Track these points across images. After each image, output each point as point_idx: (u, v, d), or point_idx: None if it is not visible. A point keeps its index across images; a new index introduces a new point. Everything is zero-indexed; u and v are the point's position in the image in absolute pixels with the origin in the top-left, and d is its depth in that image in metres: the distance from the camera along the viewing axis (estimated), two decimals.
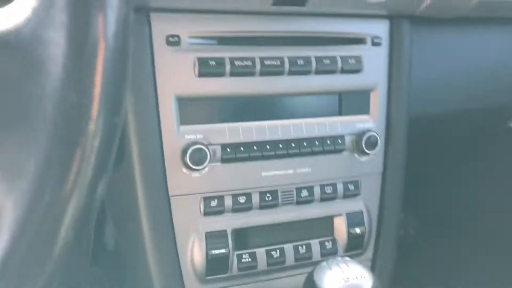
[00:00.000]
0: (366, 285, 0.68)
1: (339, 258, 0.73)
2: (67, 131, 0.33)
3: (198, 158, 0.83)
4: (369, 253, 1.04)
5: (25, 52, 0.31)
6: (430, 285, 1.89)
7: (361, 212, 1.00)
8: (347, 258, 0.73)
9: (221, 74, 0.86)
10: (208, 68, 0.85)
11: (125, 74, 0.37)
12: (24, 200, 0.32)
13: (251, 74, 0.88)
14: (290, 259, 0.94)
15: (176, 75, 0.84)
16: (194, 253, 0.88)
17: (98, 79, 0.33)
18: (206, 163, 0.84)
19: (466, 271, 1.95)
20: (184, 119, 0.86)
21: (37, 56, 0.31)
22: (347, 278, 0.69)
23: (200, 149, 0.83)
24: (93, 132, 0.33)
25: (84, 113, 0.33)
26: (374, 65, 0.99)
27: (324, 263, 0.72)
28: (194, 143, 0.84)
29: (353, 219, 0.99)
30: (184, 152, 0.83)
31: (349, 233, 0.98)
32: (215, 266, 0.88)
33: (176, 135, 0.84)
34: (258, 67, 0.88)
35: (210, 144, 0.86)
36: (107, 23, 0.34)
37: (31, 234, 0.33)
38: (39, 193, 0.33)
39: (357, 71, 0.96)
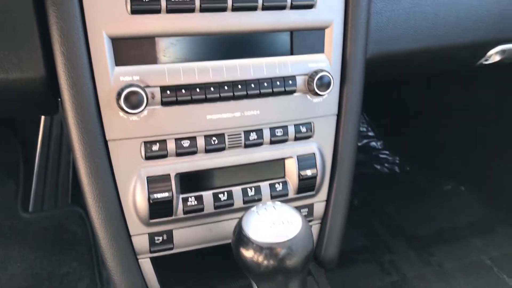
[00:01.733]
0: (293, 231, 0.67)
1: (269, 203, 0.72)
2: None
3: (135, 101, 0.80)
4: (322, 195, 1.03)
5: None
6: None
7: (313, 155, 0.98)
8: (278, 203, 0.72)
9: (156, 11, 0.81)
10: (141, 4, 0.79)
11: None
12: None
13: (190, 10, 0.82)
14: (238, 201, 0.93)
15: (106, 13, 0.79)
16: (136, 197, 0.87)
17: None
18: (143, 106, 0.81)
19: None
20: (119, 60, 0.82)
21: None
22: (273, 223, 0.67)
23: (136, 91, 0.80)
24: None
25: None
26: (329, 0, 0.92)
27: (253, 208, 0.71)
28: (130, 85, 0.80)
29: (305, 162, 0.97)
30: (119, 94, 0.80)
31: (300, 175, 0.96)
32: (159, 209, 0.88)
33: (111, 77, 0.81)
34: (197, 2, 0.82)
35: (148, 86, 0.83)
36: None
37: None
38: None
39: (309, 6, 0.90)
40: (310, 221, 1.05)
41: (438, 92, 2.11)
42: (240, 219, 0.71)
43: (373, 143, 2.49)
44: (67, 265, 1.55)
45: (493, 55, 1.18)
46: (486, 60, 1.20)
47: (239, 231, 0.69)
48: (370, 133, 2.54)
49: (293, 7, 0.89)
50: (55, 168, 1.79)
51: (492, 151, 1.92)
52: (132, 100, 0.80)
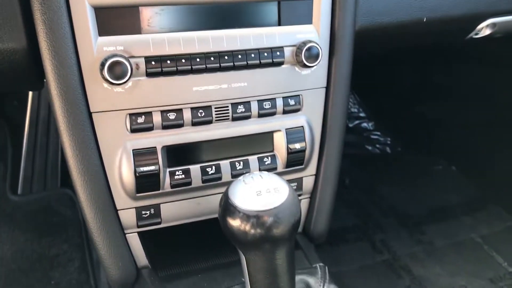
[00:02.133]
0: (279, 199, 0.66)
1: (256, 172, 0.71)
2: None
3: (119, 71, 0.78)
4: (312, 169, 1.02)
5: None
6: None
7: (302, 128, 0.97)
8: (265, 172, 0.71)
9: None
10: None
11: None
12: None
13: None
14: (226, 175, 0.92)
15: None
16: (122, 170, 0.86)
17: None
18: (127, 77, 0.79)
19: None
20: (103, 29, 0.80)
21: None
22: (259, 191, 0.67)
23: (120, 62, 0.78)
24: None
25: None
26: None
27: (240, 177, 0.70)
28: (114, 55, 0.78)
29: (293, 135, 0.96)
30: (102, 65, 0.78)
31: (288, 149, 0.95)
32: (145, 183, 0.87)
33: (94, 47, 0.79)
34: None
35: (132, 57, 0.81)
36: None
37: None
38: None
39: None
40: (299, 195, 1.05)
41: (428, 72, 2.10)
42: (227, 188, 0.70)
43: (364, 124, 2.49)
44: (57, 247, 1.54)
45: (484, 29, 1.17)
46: (477, 34, 1.19)
47: (225, 200, 0.68)
48: (362, 114, 2.53)
49: None
50: (43, 150, 1.77)
51: (483, 130, 1.92)
52: (116, 71, 0.78)
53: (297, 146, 0.96)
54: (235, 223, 0.67)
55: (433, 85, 2.11)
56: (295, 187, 1.01)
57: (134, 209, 0.90)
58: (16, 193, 1.73)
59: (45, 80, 0.81)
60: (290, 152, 0.95)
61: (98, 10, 0.79)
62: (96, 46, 0.79)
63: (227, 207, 0.68)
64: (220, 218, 0.70)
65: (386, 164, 2.25)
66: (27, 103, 1.75)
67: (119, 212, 0.89)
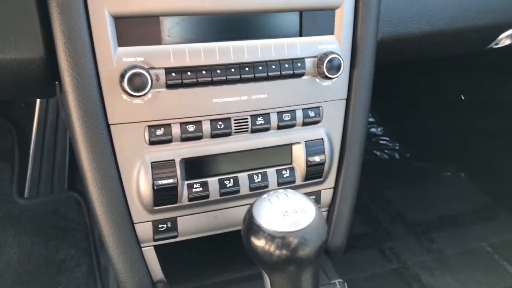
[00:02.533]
0: (306, 220, 0.65)
1: (281, 190, 0.69)
2: None
3: (138, 83, 0.76)
4: (330, 182, 1.01)
5: None
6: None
7: (322, 140, 0.95)
8: (290, 190, 0.69)
9: None
10: None
11: None
12: None
13: None
14: (244, 188, 0.91)
15: None
16: (139, 183, 0.84)
17: None
18: (147, 89, 0.77)
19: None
20: (122, 40, 0.78)
21: None
22: (285, 211, 0.65)
23: (140, 73, 0.76)
24: None
25: None
26: None
27: (265, 195, 0.68)
28: (134, 66, 0.77)
29: (313, 147, 0.94)
30: (122, 76, 0.76)
31: (307, 162, 0.94)
32: (163, 196, 0.85)
33: (113, 58, 0.77)
34: None
35: (152, 68, 0.79)
36: None
37: None
38: None
39: None
40: None
41: (438, 78, 2.08)
42: (251, 206, 0.68)
43: (373, 129, 2.47)
44: (64, 251, 1.52)
45: (504, 39, 1.15)
46: (496, 44, 1.17)
47: (249, 219, 0.66)
48: (370, 119, 2.51)
49: None
50: (51, 153, 1.75)
51: (493, 137, 1.90)
52: (136, 82, 0.76)
53: (317, 159, 0.94)
54: (259, 243, 0.65)
55: (443, 91, 2.09)
56: (313, 200, 1.00)
57: (151, 222, 0.88)
58: (23, 196, 1.72)
59: (59, 89, 0.79)
60: (309, 165, 0.94)
61: (118, 20, 0.77)
62: (115, 57, 0.77)
63: (251, 227, 0.66)
64: (244, 237, 0.68)
65: (394, 170, 2.23)
66: (34, 106, 1.74)
67: (135, 225, 0.87)
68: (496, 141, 1.89)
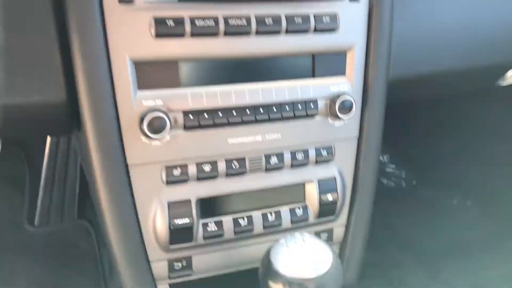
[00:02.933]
0: (324, 266, 0.66)
1: (298, 234, 0.70)
2: None
3: (157, 126, 0.79)
4: (342, 219, 1.02)
5: None
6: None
7: (334, 178, 0.96)
8: (306, 234, 0.70)
9: (180, 35, 0.79)
10: (166, 29, 0.78)
11: None
12: None
13: (214, 34, 0.81)
14: (258, 227, 0.92)
15: (130, 37, 0.77)
16: (156, 222, 0.85)
17: None
18: (166, 131, 0.79)
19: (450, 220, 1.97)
20: (142, 83, 0.80)
21: None
22: (303, 257, 0.66)
23: (159, 116, 0.78)
24: None
25: None
26: (351, 23, 0.91)
27: (282, 240, 0.70)
28: (153, 109, 0.79)
29: (325, 186, 0.95)
30: (142, 119, 0.79)
31: (320, 200, 0.95)
32: (179, 235, 0.86)
33: (133, 101, 0.79)
34: (221, 27, 0.81)
35: (171, 111, 0.81)
36: None
37: None
38: None
39: (332, 30, 0.89)
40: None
41: (444, 107, 2.10)
42: (268, 250, 0.69)
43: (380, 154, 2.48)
44: (74, 280, 1.52)
45: (511, 77, 1.18)
46: (504, 80, 1.19)
47: (267, 263, 0.67)
48: None
49: (316, 30, 0.88)
50: (61, 182, 1.77)
51: (499, 165, 1.91)
52: (155, 125, 0.78)
53: (330, 197, 0.96)
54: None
55: (449, 120, 2.10)
56: (325, 238, 1.01)
57: (166, 261, 0.89)
58: (33, 224, 1.73)
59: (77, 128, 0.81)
60: (322, 204, 0.95)
61: (138, 65, 0.79)
62: (135, 100, 0.80)
63: (269, 272, 0.67)
64: (261, 280, 0.69)
65: (401, 198, 2.23)
66: (46, 135, 1.76)
67: (151, 263, 0.89)
68: (503, 170, 1.90)
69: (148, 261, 0.88)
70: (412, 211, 2.08)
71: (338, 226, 1.02)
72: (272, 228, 0.93)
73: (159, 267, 0.89)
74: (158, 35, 0.78)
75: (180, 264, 0.91)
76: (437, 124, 2.17)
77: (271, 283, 0.67)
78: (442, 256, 1.78)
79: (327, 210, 0.96)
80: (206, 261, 0.92)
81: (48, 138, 1.75)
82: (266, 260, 0.68)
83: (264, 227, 0.92)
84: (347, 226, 1.03)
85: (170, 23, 0.78)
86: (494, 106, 1.85)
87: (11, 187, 1.81)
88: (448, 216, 2.02)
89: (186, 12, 0.79)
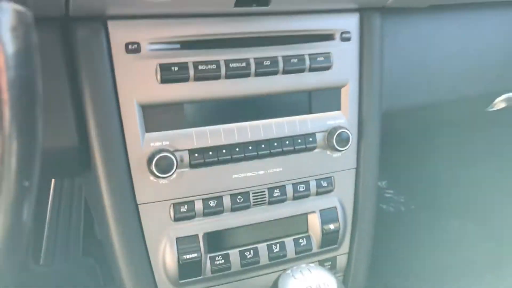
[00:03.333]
0: None
1: (304, 265, 0.74)
2: None
3: (165, 165, 0.83)
4: (345, 247, 1.05)
5: None
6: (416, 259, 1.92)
7: (335, 208, 1.00)
8: (312, 265, 0.74)
9: (185, 80, 0.85)
10: (171, 74, 0.83)
11: (36, 99, 0.38)
12: None
13: (216, 77, 0.87)
14: (264, 258, 0.95)
15: (138, 83, 0.82)
16: (166, 258, 0.88)
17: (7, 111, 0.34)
18: (173, 170, 0.84)
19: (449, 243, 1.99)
20: (149, 126, 0.85)
21: None
22: (310, 287, 0.69)
23: (166, 156, 0.83)
24: (10, 160, 0.35)
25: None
26: (344, 61, 0.97)
27: (288, 271, 0.73)
28: (160, 150, 0.83)
29: (327, 216, 0.99)
30: (150, 160, 0.83)
31: (323, 230, 0.99)
32: (188, 270, 0.89)
33: (141, 143, 0.84)
34: (223, 70, 0.86)
35: (177, 150, 0.86)
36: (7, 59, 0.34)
37: None
38: None
39: (326, 68, 0.95)
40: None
41: (440, 131, 2.15)
42: (276, 281, 0.73)
43: (378, 183, 2.51)
44: None
45: (499, 103, 1.23)
46: (492, 107, 1.25)
47: None
48: None
49: (311, 69, 0.93)
50: (66, 220, 1.79)
51: (500, 188, 1.95)
52: (162, 165, 0.83)
53: (332, 226, 0.99)
54: None
55: (446, 144, 2.15)
56: (329, 266, 1.04)
57: None
58: (39, 263, 1.74)
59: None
60: (324, 233, 0.98)
61: (145, 108, 0.84)
62: (143, 142, 0.84)
63: None
64: None
65: (401, 223, 2.26)
66: None
67: None
68: (503, 191, 1.93)
69: None
70: (412, 234, 2.10)
71: (341, 255, 1.05)
72: (278, 259, 0.96)
73: None
74: (164, 80, 0.83)
75: None
76: (433, 148, 2.22)
77: None
78: (445, 278, 1.80)
79: (329, 239, 1.00)
80: None
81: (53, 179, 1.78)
82: None
83: (270, 258, 0.95)
84: (349, 254, 1.06)
85: (175, 68, 0.84)
86: (486, 130, 1.91)
87: None
88: (448, 238, 2.04)
89: (189, 58, 0.85)
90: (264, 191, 0.94)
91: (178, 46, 0.85)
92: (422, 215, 2.25)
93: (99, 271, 1.71)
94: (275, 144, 0.93)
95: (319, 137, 0.97)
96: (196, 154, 0.87)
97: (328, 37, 0.96)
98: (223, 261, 0.92)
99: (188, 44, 0.86)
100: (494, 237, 1.98)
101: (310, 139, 0.96)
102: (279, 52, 0.91)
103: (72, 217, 1.80)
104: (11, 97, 0.35)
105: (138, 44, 0.81)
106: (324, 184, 0.99)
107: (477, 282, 1.79)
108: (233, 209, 0.92)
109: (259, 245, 0.95)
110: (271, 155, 0.93)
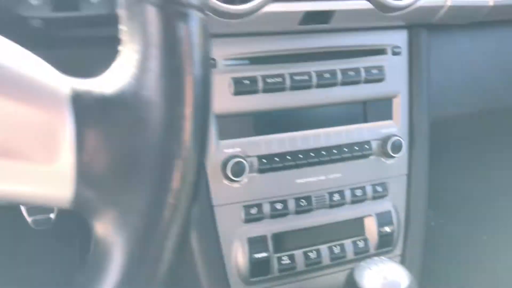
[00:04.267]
0: (404, 282, 0.75)
1: (376, 258, 0.80)
2: (168, 175, 0.39)
3: (238, 170, 0.90)
4: (398, 250, 1.11)
5: (130, 111, 0.37)
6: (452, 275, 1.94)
7: (390, 212, 1.06)
8: (384, 258, 0.80)
9: (254, 92, 0.93)
10: (242, 87, 0.92)
11: (209, 120, 0.44)
12: (136, 236, 0.38)
13: (282, 89, 0.95)
14: (326, 259, 1.01)
15: (214, 95, 0.90)
16: (238, 257, 0.95)
17: (189, 129, 0.39)
18: (245, 174, 0.91)
19: (483, 261, 2.01)
20: (223, 134, 0.93)
21: (139, 115, 0.37)
22: (386, 276, 0.75)
23: (239, 161, 0.90)
24: (186, 176, 0.39)
25: (179, 160, 0.38)
26: (395, 74, 1.05)
27: (362, 263, 0.79)
28: (234, 156, 0.91)
29: (383, 219, 1.05)
30: (224, 165, 0.91)
31: (379, 232, 1.05)
32: (258, 268, 0.95)
33: (216, 149, 0.92)
34: (288, 82, 0.95)
35: (248, 156, 0.93)
36: (195, 87, 0.40)
37: (140, 261, 0.39)
38: (148, 228, 0.39)
39: (379, 80, 1.03)
40: None
41: (466, 144, 2.20)
42: (352, 272, 0.79)
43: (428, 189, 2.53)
44: None
45: None
46: None
47: (352, 282, 0.76)
48: None
49: (366, 81, 1.02)
50: None
51: None
52: (236, 169, 0.90)
53: (387, 229, 1.05)
54: None
55: (474, 157, 2.19)
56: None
57: None
58: None
59: None
60: (381, 235, 1.04)
61: (219, 118, 0.92)
62: (218, 149, 0.92)
63: None
64: None
65: (430, 237, 2.28)
66: None
67: None
68: None
69: None
70: (442, 248, 2.12)
71: (395, 257, 1.10)
72: (338, 260, 1.02)
73: None
74: (236, 92, 0.92)
75: None
76: (463, 163, 2.26)
77: None
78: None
79: (385, 241, 1.06)
80: None
81: None
82: (350, 280, 0.77)
83: (331, 259, 1.01)
84: (402, 256, 1.11)
85: (246, 82, 0.92)
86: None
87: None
88: (478, 252, 2.06)
89: (258, 72, 0.93)
90: (325, 195, 1.01)
91: (247, 62, 0.94)
92: (452, 228, 2.27)
93: None
94: (335, 151, 1.00)
95: (374, 144, 1.04)
96: (265, 160, 0.95)
97: (381, 51, 1.04)
98: (289, 261, 0.98)
99: (257, 60, 0.94)
100: None
101: (366, 146, 1.03)
102: (337, 65, 0.99)
103: None
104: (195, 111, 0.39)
105: (214, 60, 0.90)
106: (379, 189, 1.06)
107: None
108: (297, 212, 0.99)
109: (321, 247, 1.01)
110: (331, 161, 1.00)
